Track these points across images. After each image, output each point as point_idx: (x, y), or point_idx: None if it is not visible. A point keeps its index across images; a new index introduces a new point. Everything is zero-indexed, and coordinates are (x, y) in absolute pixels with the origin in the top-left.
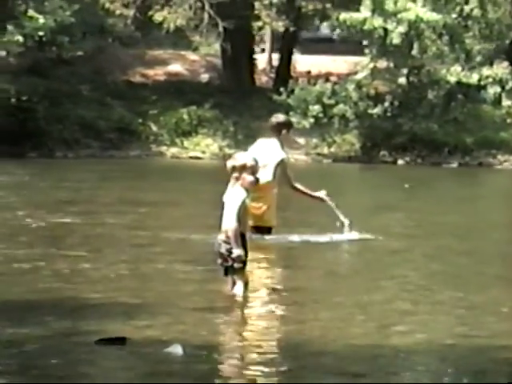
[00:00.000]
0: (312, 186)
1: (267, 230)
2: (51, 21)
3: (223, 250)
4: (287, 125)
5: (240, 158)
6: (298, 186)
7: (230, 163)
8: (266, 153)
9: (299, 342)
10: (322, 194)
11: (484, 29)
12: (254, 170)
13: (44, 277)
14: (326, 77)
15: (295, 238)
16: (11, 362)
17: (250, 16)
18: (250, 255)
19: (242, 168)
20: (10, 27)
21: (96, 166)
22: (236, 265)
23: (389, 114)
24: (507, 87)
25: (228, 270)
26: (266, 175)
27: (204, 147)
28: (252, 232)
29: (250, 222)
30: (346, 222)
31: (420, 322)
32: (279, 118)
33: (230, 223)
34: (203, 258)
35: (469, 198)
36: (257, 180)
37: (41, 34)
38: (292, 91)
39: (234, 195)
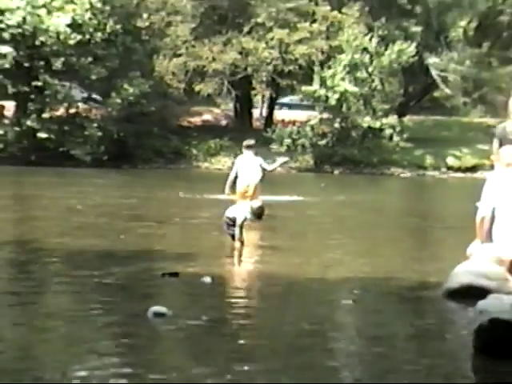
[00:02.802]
0: (283, 185)
1: None
2: (137, 90)
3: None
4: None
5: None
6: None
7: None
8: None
9: (278, 276)
10: (280, 160)
11: (383, 96)
12: None
13: (130, 237)
14: (293, 123)
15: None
16: (107, 288)
17: (250, 88)
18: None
19: None
20: (113, 94)
21: (162, 174)
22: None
23: (330, 145)
24: (396, 130)
25: (234, 236)
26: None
27: (223, 163)
28: None
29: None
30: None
31: (349, 265)
32: (251, 141)
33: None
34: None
35: (375, 192)
36: None
37: (131, 98)
38: (274, 131)
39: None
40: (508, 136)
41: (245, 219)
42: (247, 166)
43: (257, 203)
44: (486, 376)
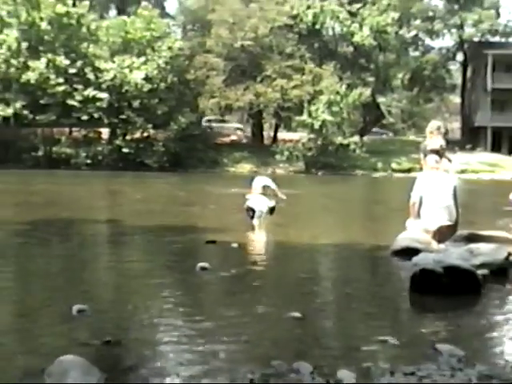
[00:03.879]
0: (284, 182)
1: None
2: (188, 120)
3: (249, 212)
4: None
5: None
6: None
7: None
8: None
9: (282, 243)
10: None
11: (350, 123)
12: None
13: (182, 217)
14: (290, 141)
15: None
16: (169, 251)
17: (261, 118)
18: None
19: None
20: (172, 123)
21: (204, 176)
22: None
23: (315, 155)
24: (358, 145)
25: (252, 217)
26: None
27: (244, 168)
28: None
29: None
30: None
31: (329, 236)
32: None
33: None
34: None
35: (345, 187)
36: None
37: (183, 125)
38: (277, 146)
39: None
40: (427, 149)
41: (261, 213)
42: (261, 180)
43: (272, 203)
44: (418, 306)
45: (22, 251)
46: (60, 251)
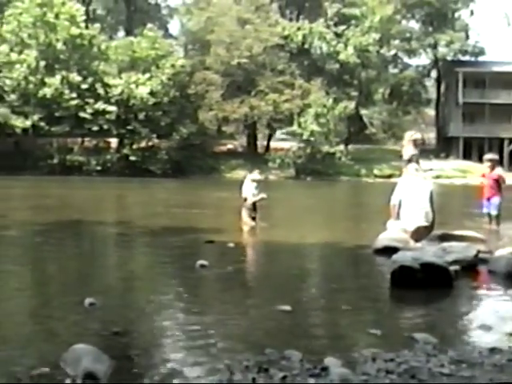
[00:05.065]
0: (276, 187)
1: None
2: (188, 131)
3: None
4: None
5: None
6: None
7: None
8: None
9: (274, 242)
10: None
11: (335, 133)
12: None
13: (182, 219)
14: (282, 149)
15: None
16: (171, 249)
17: (256, 128)
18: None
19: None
20: (174, 133)
21: (203, 181)
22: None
23: (304, 162)
24: (343, 153)
25: (253, 219)
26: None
27: (240, 174)
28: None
29: None
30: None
31: (315, 235)
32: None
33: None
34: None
35: (331, 191)
36: None
37: (184, 135)
38: (270, 155)
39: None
40: (402, 158)
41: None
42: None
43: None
44: (397, 299)
45: (39, 250)
46: (73, 250)
